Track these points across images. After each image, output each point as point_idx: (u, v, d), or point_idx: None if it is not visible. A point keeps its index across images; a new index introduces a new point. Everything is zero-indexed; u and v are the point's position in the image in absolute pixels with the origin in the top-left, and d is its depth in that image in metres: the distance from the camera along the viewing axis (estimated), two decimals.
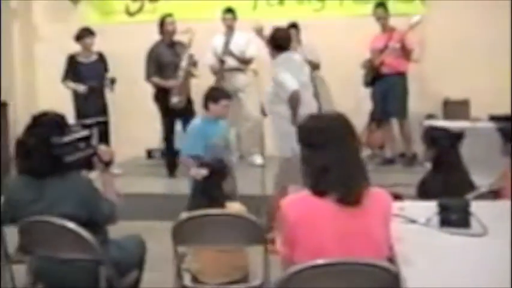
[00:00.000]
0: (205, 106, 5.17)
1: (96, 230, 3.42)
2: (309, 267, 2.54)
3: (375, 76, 7.75)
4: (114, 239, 3.67)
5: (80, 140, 3.49)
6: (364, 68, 7.82)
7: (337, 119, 2.75)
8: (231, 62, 7.85)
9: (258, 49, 7.73)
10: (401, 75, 7.73)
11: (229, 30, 7.94)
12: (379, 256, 2.61)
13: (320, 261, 2.54)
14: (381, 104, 7.78)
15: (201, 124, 4.99)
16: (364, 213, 2.61)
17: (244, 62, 7.88)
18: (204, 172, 3.96)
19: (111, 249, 3.54)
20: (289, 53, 5.58)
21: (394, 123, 7.96)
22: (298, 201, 2.67)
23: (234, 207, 3.82)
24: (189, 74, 7.40)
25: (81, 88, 7.47)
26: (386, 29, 7.71)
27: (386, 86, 7.67)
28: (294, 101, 5.27)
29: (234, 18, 7.95)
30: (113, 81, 7.57)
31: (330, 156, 2.61)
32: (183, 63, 7.34)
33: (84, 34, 7.56)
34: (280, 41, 5.55)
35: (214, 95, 5.14)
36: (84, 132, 3.57)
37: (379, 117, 7.87)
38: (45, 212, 3.31)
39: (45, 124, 3.45)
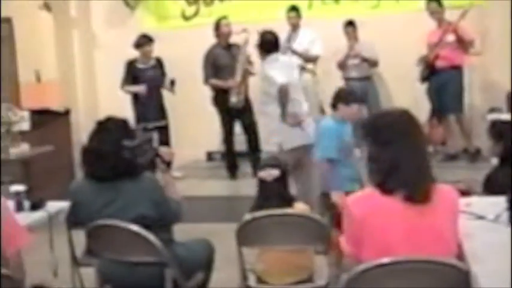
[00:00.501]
0: (334, 106, 5.05)
1: (163, 231, 3.47)
2: (376, 266, 2.51)
3: (430, 71, 7.61)
4: (181, 241, 3.71)
5: (145, 142, 3.55)
6: (420, 64, 7.69)
7: (404, 115, 2.71)
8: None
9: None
10: (457, 69, 7.58)
11: (294, 28, 7.90)
12: (448, 254, 2.56)
13: (387, 260, 2.50)
14: (437, 100, 7.64)
15: (334, 125, 4.87)
16: (432, 210, 2.56)
17: (308, 60, 7.83)
18: None
19: (178, 250, 3.57)
20: (278, 54, 5.68)
21: (453, 118, 7.81)
22: (365, 198, 2.64)
23: (298, 207, 3.80)
24: (246, 73, 7.41)
25: (141, 88, 7.55)
26: (442, 23, 7.57)
27: (441, 81, 7.54)
28: (282, 94, 5.37)
29: (299, 16, 7.91)
30: (172, 82, 7.64)
31: (398, 153, 2.57)
32: (240, 63, 7.36)
33: (144, 42, 7.64)
34: (269, 44, 5.67)
35: (347, 97, 4.91)
36: (148, 135, 3.63)
37: (437, 112, 7.73)
38: (118, 214, 3.36)
39: (114, 128, 3.51)
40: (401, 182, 2.55)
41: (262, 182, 3.84)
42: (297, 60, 6.28)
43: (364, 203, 2.62)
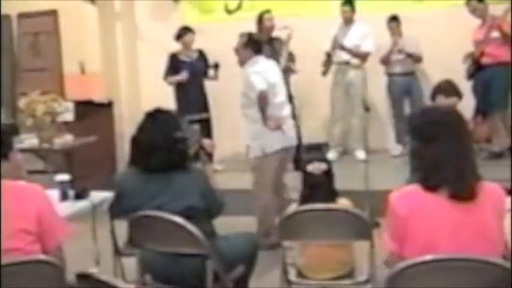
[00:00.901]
0: (433, 97, 4.91)
1: (206, 223, 3.50)
2: (419, 263, 2.49)
3: (476, 68, 7.49)
4: (224, 234, 3.72)
5: (191, 134, 3.60)
6: (466, 61, 7.58)
7: (449, 112, 2.68)
8: (344, 56, 7.78)
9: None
10: (503, 66, 7.42)
11: (347, 22, 7.84)
12: (494, 253, 2.52)
13: (430, 257, 2.48)
14: (483, 97, 7.51)
15: None
16: (477, 208, 2.52)
17: (359, 56, 7.78)
18: None
19: (220, 243, 3.59)
20: (259, 57, 5.59)
21: (498, 116, 7.67)
22: (408, 195, 2.61)
23: (341, 202, 3.78)
24: (288, 70, 7.38)
25: (183, 75, 7.56)
26: (486, 19, 7.43)
27: (487, 77, 7.39)
28: (261, 100, 5.34)
29: (353, 10, 7.83)
30: (216, 65, 7.65)
31: (443, 149, 2.54)
32: (282, 60, 7.33)
33: (184, 32, 7.69)
34: (256, 45, 5.63)
35: (448, 90, 4.81)
36: (193, 127, 3.67)
37: (482, 110, 7.60)
38: (167, 205, 3.40)
39: (166, 120, 3.55)
40: (446, 179, 2.52)
41: (309, 176, 3.83)
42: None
43: (408, 200, 2.59)
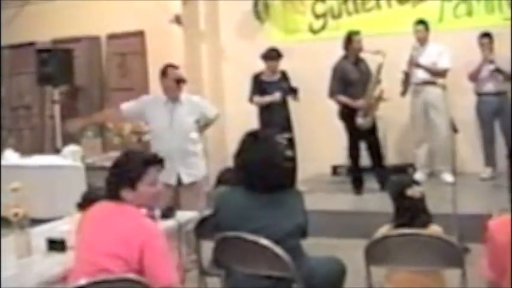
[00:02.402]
0: None
1: (297, 244, 3.48)
2: None
3: None
4: (311, 257, 3.67)
5: None
6: None
7: None
8: (421, 75, 7.64)
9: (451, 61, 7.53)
10: None
11: (421, 42, 7.72)
12: None
13: None
14: None
15: None
16: None
17: (437, 74, 7.63)
18: None
19: (307, 265, 3.53)
20: None
21: None
22: (510, 223, 2.48)
23: (432, 228, 3.66)
24: (380, 99, 7.31)
25: (276, 96, 7.55)
26: None
27: None
28: None
29: (427, 29, 7.72)
30: (294, 90, 7.63)
31: None
32: (372, 85, 7.27)
33: (273, 56, 7.66)
34: None
35: None
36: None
37: None
38: (278, 224, 3.40)
39: (271, 139, 3.60)
40: None
41: (409, 200, 3.72)
42: None
43: (509, 227, 2.47)
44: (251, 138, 3.57)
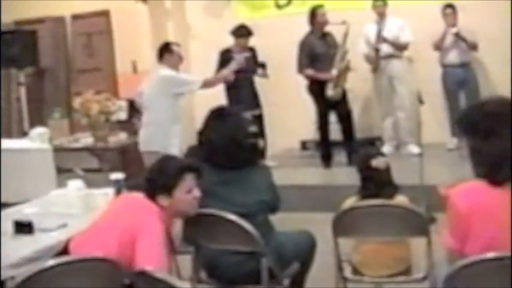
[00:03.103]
0: None
1: (265, 220, 3.52)
2: (481, 261, 2.42)
3: None
4: (282, 231, 3.71)
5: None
6: None
7: (504, 102, 2.59)
8: (385, 49, 7.69)
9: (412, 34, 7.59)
10: None
11: (381, 17, 7.77)
12: None
13: (493, 255, 2.41)
14: None
15: None
16: None
17: (400, 47, 7.69)
18: None
19: (277, 240, 3.57)
20: None
21: None
22: (470, 191, 2.54)
23: (398, 198, 3.71)
24: (347, 69, 7.35)
25: (225, 72, 7.52)
26: None
27: None
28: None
29: (385, 4, 7.78)
30: (263, 65, 7.63)
31: (505, 143, 2.46)
32: (339, 56, 7.30)
33: (242, 33, 7.63)
34: None
35: None
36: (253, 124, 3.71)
37: None
38: (241, 201, 3.43)
39: (234, 117, 3.61)
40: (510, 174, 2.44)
41: (374, 171, 3.75)
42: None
43: (469, 195, 2.52)
44: (215, 115, 3.59)
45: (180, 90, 5.82)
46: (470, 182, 2.56)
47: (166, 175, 3.12)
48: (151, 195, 3.11)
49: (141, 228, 2.95)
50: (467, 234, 2.51)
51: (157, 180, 3.12)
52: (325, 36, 7.51)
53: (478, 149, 2.54)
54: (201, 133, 3.65)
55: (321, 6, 7.52)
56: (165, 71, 5.83)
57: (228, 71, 6.47)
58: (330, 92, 7.26)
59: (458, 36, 7.56)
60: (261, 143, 3.70)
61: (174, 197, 3.11)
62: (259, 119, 7.57)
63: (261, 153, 3.77)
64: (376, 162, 3.76)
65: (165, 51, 5.97)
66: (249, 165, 3.52)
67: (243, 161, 3.50)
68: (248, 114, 7.13)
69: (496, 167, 2.46)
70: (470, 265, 2.43)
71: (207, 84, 6.14)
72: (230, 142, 3.46)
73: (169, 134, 5.71)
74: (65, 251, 3.17)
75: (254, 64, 7.74)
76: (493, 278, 2.44)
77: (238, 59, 6.56)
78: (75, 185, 4.04)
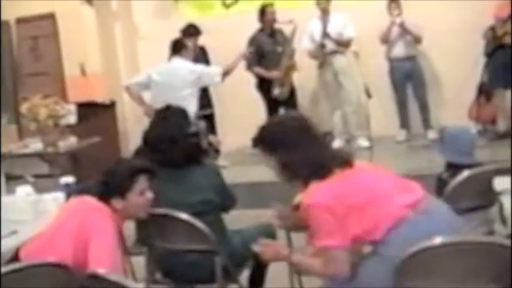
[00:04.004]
0: None
1: (217, 219, 3.54)
2: (425, 249, 2.49)
3: (496, 46, 7.42)
4: (236, 229, 3.73)
5: (200, 130, 3.64)
6: (485, 38, 7.51)
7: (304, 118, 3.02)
8: (330, 45, 7.77)
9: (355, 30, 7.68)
10: None
11: (325, 13, 7.84)
12: None
13: (440, 240, 2.48)
14: (498, 75, 7.44)
15: None
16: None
17: (343, 44, 7.77)
18: None
19: (230, 238, 3.59)
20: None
21: (507, 94, 7.64)
22: (320, 189, 2.72)
23: None
24: (292, 67, 7.40)
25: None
26: None
27: (509, 56, 7.31)
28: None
29: (328, 1, 7.84)
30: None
31: (311, 150, 2.85)
32: (286, 55, 7.36)
33: (192, 33, 7.64)
34: None
35: None
36: (201, 123, 3.72)
37: (491, 89, 7.55)
38: (184, 199, 3.43)
39: (177, 115, 3.59)
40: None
41: None
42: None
43: (323, 192, 2.70)
44: (159, 114, 3.61)
45: (208, 82, 6.44)
46: (310, 185, 2.74)
47: (119, 178, 3.11)
48: (105, 198, 3.10)
49: (94, 231, 2.94)
50: (343, 225, 2.63)
51: (110, 183, 3.11)
52: (274, 33, 7.56)
53: (289, 161, 2.81)
54: (146, 132, 3.66)
55: (270, 4, 7.58)
56: (191, 66, 6.25)
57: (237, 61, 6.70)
58: (276, 91, 7.32)
59: (403, 27, 7.69)
60: (204, 142, 3.69)
61: (128, 199, 3.10)
62: (210, 118, 7.59)
63: (206, 152, 3.75)
64: None
65: (181, 46, 6.32)
66: (189, 165, 3.52)
67: (182, 160, 3.50)
68: (199, 113, 7.17)
69: (313, 169, 2.73)
70: (419, 252, 2.49)
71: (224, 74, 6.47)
72: (166, 141, 3.49)
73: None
74: (15, 258, 3.13)
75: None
76: (441, 263, 2.50)
77: (243, 54, 6.71)
78: (24, 191, 4.00)
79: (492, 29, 7.42)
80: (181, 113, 3.69)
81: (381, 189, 2.72)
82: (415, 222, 2.61)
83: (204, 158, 3.65)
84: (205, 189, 3.50)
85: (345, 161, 2.83)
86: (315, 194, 2.72)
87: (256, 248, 2.94)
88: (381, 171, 2.89)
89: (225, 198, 3.61)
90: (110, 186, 3.11)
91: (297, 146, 2.81)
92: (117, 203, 3.09)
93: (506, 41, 7.30)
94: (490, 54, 7.48)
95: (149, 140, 3.61)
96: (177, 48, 6.28)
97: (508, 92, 7.51)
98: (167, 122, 3.56)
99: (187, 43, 6.36)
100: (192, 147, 3.52)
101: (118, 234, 3.05)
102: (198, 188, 3.48)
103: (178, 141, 3.49)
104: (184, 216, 3.33)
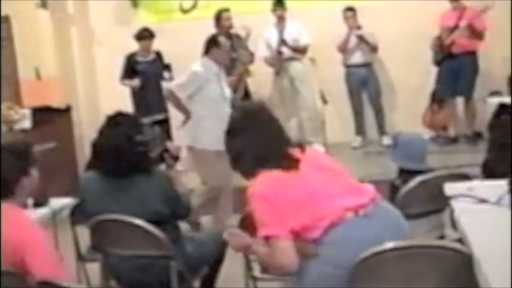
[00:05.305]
0: None
1: (171, 226, 3.51)
2: (376, 253, 2.52)
3: (444, 55, 7.59)
4: (190, 235, 3.72)
5: (153, 137, 3.56)
6: (433, 47, 7.67)
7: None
8: (287, 52, 7.82)
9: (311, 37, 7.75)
10: (473, 54, 7.58)
11: (281, 21, 7.89)
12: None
13: (391, 245, 2.52)
14: (448, 83, 7.62)
15: None
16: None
17: (299, 50, 7.83)
18: None
19: (185, 245, 3.59)
20: None
21: (458, 102, 7.82)
22: (266, 179, 2.72)
23: None
24: (245, 72, 7.43)
25: (135, 82, 7.58)
26: (458, 7, 7.54)
27: (456, 65, 7.51)
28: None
29: (284, 8, 7.91)
30: (168, 67, 7.65)
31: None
32: (239, 60, 7.38)
33: (145, 35, 7.64)
34: None
35: None
36: (156, 130, 3.65)
37: (443, 96, 7.71)
38: (130, 209, 3.37)
39: (126, 123, 3.52)
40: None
41: None
42: None
43: (267, 182, 2.70)
44: (107, 121, 3.55)
45: None
46: (263, 174, 2.73)
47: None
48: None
49: (26, 242, 2.80)
50: (282, 217, 2.63)
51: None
52: (231, 39, 7.57)
53: (234, 148, 2.89)
54: (94, 141, 3.60)
55: (226, 9, 7.60)
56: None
57: None
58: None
59: (361, 39, 7.80)
60: (158, 149, 3.63)
61: (32, 175, 3.04)
62: (165, 123, 7.58)
63: (157, 160, 3.68)
64: None
65: (212, 44, 5.76)
66: (135, 174, 3.44)
67: (127, 170, 3.43)
68: (151, 119, 7.14)
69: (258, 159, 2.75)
70: (370, 257, 2.53)
71: None
72: (113, 150, 3.42)
73: None
74: None
75: (160, 68, 7.74)
76: (391, 268, 2.54)
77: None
78: None
79: (439, 38, 7.59)
80: (131, 120, 3.59)
81: (324, 189, 2.70)
82: (353, 224, 2.63)
83: (154, 167, 3.55)
84: (152, 200, 3.42)
85: (296, 145, 2.85)
86: (257, 184, 2.72)
87: (225, 236, 2.92)
88: (333, 171, 2.84)
89: (175, 208, 3.54)
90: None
91: (244, 132, 2.84)
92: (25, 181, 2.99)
93: (453, 50, 7.48)
94: (439, 63, 7.65)
95: (96, 149, 3.55)
96: (207, 47, 5.83)
97: (458, 100, 7.70)
98: (114, 130, 3.48)
99: (220, 40, 5.83)
100: (138, 156, 3.42)
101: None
102: (144, 198, 3.41)
103: (124, 151, 3.40)
104: (138, 222, 3.32)
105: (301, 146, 2.90)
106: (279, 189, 2.66)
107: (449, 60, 7.56)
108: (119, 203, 3.41)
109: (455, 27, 7.44)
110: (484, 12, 7.26)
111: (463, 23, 7.39)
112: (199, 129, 5.47)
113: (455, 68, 7.51)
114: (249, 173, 2.80)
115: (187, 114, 5.60)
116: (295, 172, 2.73)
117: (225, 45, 5.75)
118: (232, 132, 2.89)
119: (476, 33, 7.40)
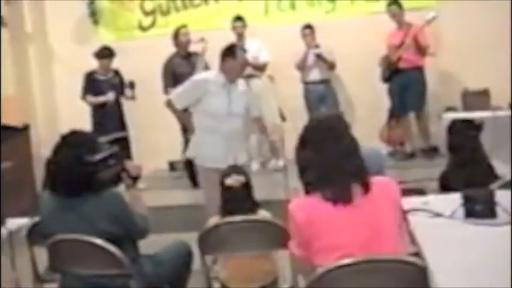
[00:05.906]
0: None
1: (128, 245, 3.47)
2: (336, 268, 2.55)
3: (392, 72, 7.75)
4: (149, 254, 3.70)
5: (109, 156, 3.52)
6: (381, 65, 7.83)
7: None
8: (247, 69, 7.84)
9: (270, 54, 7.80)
10: (419, 70, 7.74)
11: (240, 38, 7.95)
12: (392, 247, 2.63)
13: (348, 261, 2.55)
14: (399, 99, 7.78)
15: None
16: (370, 204, 2.65)
17: (258, 68, 7.88)
18: None
19: (144, 263, 3.57)
20: None
21: (412, 117, 7.95)
22: (307, 203, 2.70)
23: (261, 213, 3.83)
24: None
25: (109, 96, 7.55)
26: (403, 25, 7.72)
27: (404, 80, 7.68)
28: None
29: (244, 25, 7.98)
30: (132, 84, 7.63)
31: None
32: (198, 73, 7.37)
33: (106, 54, 7.62)
34: None
35: None
36: (114, 149, 3.60)
37: (398, 112, 7.85)
38: (80, 229, 3.33)
39: (77, 143, 3.48)
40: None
41: (229, 189, 3.85)
42: None
43: (307, 207, 2.68)
44: (61, 141, 3.52)
45: None
46: (310, 195, 2.70)
47: None
48: None
49: None
50: (309, 242, 2.65)
51: None
52: (189, 56, 7.59)
53: (298, 159, 2.78)
54: (48, 159, 3.55)
55: (183, 26, 7.63)
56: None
57: None
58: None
59: (319, 57, 7.90)
60: (116, 168, 3.59)
61: None
62: (125, 141, 7.54)
63: (113, 180, 3.61)
64: (230, 181, 3.87)
65: (228, 54, 5.20)
66: (84, 194, 3.39)
67: (75, 189, 3.39)
68: (109, 138, 7.09)
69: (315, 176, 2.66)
70: (327, 272, 2.56)
71: None
72: (64, 169, 3.39)
73: None
74: None
75: (119, 86, 7.72)
76: (349, 282, 2.58)
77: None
78: None
79: (387, 57, 7.76)
80: (84, 140, 3.53)
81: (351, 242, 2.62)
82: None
83: (108, 187, 3.50)
84: (100, 219, 3.37)
85: (360, 180, 2.67)
86: (297, 204, 2.70)
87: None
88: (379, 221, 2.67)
89: (128, 228, 3.47)
90: None
91: (310, 146, 2.73)
92: None
93: (400, 65, 7.64)
94: (387, 79, 7.81)
95: (49, 168, 3.52)
96: (223, 56, 5.25)
97: (410, 116, 7.85)
98: (65, 150, 3.44)
99: (237, 51, 5.27)
100: (87, 176, 3.38)
101: None
102: (92, 217, 3.37)
103: (72, 170, 3.36)
104: (97, 241, 3.30)
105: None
106: (310, 224, 2.64)
107: (397, 76, 7.73)
108: (69, 222, 3.37)
109: (402, 44, 7.61)
110: (428, 25, 7.41)
111: (408, 40, 7.54)
112: (197, 143, 5.32)
113: (404, 83, 7.67)
114: (309, 187, 2.71)
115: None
116: (342, 205, 2.63)
117: (241, 56, 5.29)
118: (300, 143, 2.79)
119: (420, 49, 7.57)
